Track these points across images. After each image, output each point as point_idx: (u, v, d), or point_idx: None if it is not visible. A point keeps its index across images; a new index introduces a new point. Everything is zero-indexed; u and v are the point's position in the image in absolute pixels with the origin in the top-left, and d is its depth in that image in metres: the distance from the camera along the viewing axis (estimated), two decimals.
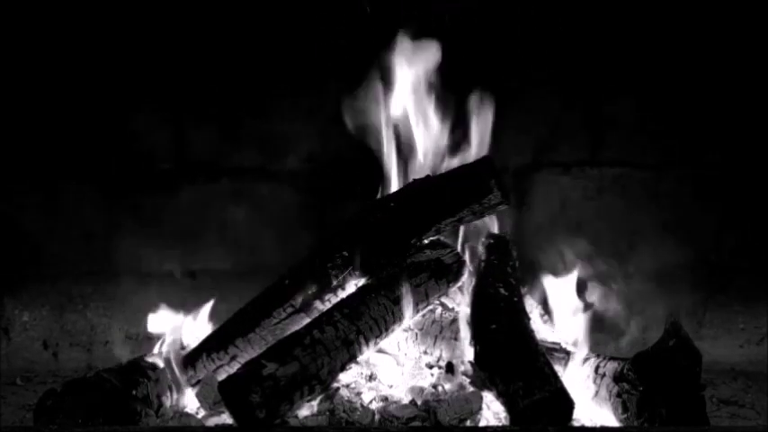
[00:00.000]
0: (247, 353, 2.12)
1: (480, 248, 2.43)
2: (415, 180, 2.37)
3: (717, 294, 2.91)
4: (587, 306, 2.24)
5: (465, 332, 2.20)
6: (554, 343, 2.24)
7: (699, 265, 2.89)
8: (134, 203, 2.82)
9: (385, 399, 2.06)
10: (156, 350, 2.22)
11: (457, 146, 2.50)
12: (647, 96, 2.82)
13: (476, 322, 2.15)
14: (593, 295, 2.26)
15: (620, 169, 2.88)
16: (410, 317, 2.16)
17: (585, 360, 2.12)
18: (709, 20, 2.78)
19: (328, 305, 2.16)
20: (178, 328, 2.28)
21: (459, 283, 2.28)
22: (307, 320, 2.10)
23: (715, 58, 2.80)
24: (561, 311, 2.35)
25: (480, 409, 1.99)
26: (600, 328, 2.23)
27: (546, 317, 2.39)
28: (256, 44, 2.78)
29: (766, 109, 2.81)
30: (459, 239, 2.45)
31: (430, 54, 2.47)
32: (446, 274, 2.22)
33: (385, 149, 2.51)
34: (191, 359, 2.16)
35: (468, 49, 2.64)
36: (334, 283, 2.20)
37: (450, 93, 2.51)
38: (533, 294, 2.45)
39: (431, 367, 2.21)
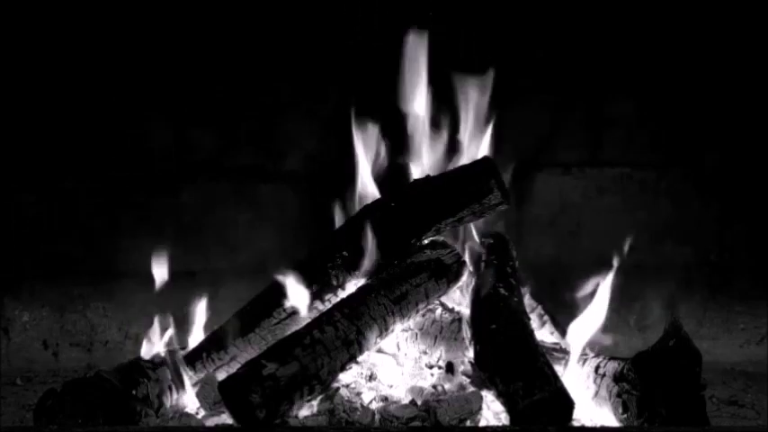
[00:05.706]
0: (247, 353, 2.13)
1: (480, 248, 2.43)
2: (415, 180, 2.36)
3: (717, 294, 2.91)
4: (587, 306, 2.23)
5: (465, 332, 2.20)
6: (554, 343, 2.24)
7: (699, 264, 2.89)
8: (134, 203, 2.82)
9: (385, 399, 2.06)
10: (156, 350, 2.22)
11: (456, 146, 2.50)
12: (648, 96, 2.83)
13: (476, 322, 2.15)
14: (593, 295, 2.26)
15: (620, 169, 2.88)
16: (410, 317, 2.16)
17: (585, 360, 2.12)
18: (708, 20, 2.78)
19: (328, 305, 2.16)
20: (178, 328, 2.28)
21: (459, 283, 2.28)
22: (307, 320, 2.10)
23: (715, 59, 2.80)
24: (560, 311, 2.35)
25: (480, 409, 1.99)
26: (600, 329, 2.22)
27: (546, 317, 2.39)
28: (258, 46, 2.78)
29: (766, 109, 2.82)
30: (459, 239, 2.45)
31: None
32: (446, 274, 2.22)
33: (385, 150, 2.52)
34: (191, 359, 2.16)
35: (469, 49, 2.64)
36: (335, 283, 2.20)
37: (449, 93, 2.51)
38: (533, 294, 2.45)
39: (431, 367, 2.21)
